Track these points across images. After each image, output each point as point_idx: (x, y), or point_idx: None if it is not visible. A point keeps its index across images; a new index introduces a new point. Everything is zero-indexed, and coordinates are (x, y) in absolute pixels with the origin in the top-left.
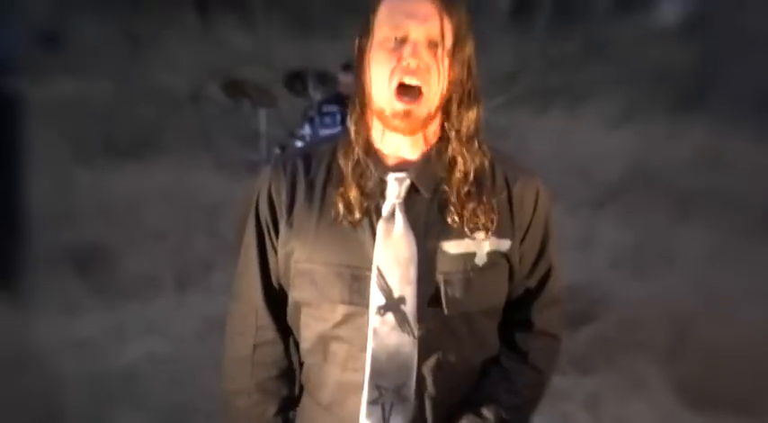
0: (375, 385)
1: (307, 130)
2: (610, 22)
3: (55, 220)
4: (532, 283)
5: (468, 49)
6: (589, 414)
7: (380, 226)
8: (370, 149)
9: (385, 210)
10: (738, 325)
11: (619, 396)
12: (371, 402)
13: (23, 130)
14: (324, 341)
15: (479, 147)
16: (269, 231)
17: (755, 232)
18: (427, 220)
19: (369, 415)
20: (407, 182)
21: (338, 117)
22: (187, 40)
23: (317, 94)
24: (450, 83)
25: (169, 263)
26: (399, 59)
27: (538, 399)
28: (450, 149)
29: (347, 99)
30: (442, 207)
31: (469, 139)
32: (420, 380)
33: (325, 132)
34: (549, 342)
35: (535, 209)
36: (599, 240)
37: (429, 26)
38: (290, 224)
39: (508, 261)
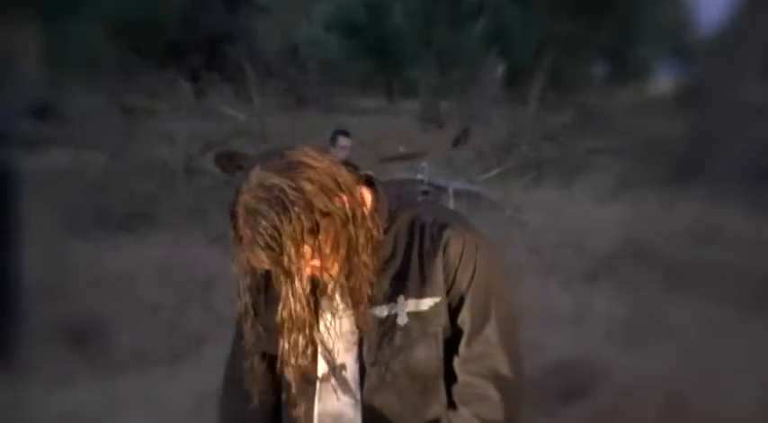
0: None
1: None
2: (604, 93)
3: (48, 293)
4: (461, 331)
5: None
6: None
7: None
8: None
9: None
10: (732, 398)
11: None
12: None
13: (17, 202)
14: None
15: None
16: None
17: (750, 305)
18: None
19: None
20: None
21: None
22: (181, 112)
23: None
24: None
25: (162, 336)
26: None
27: None
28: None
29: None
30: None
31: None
32: None
33: None
34: (482, 389)
35: (459, 262)
36: (593, 314)
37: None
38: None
39: (437, 318)
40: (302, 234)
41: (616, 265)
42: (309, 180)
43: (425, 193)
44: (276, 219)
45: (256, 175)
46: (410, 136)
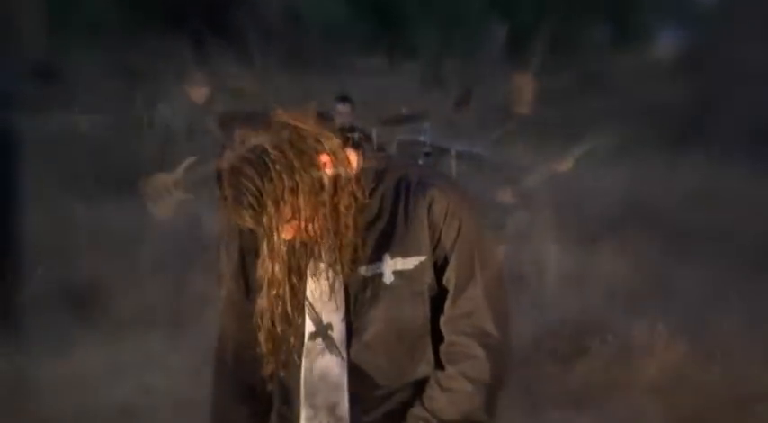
0: (310, 404)
1: None
2: (606, 55)
3: (51, 255)
4: (446, 290)
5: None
6: None
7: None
8: None
9: None
10: (734, 362)
11: None
12: (308, 420)
13: (19, 165)
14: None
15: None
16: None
17: (752, 268)
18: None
19: None
20: None
21: None
22: (183, 74)
23: None
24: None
25: (166, 298)
26: None
27: (477, 403)
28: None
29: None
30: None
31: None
32: (354, 399)
33: None
34: (468, 348)
35: (444, 221)
36: (594, 276)
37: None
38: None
39: (422, 276)
40: (282, 193)
41: (618, 227)
42: (291, 140)
43: (427, 154)
44: (257, 178)
45: (240, 135)
46: (412, 98)
